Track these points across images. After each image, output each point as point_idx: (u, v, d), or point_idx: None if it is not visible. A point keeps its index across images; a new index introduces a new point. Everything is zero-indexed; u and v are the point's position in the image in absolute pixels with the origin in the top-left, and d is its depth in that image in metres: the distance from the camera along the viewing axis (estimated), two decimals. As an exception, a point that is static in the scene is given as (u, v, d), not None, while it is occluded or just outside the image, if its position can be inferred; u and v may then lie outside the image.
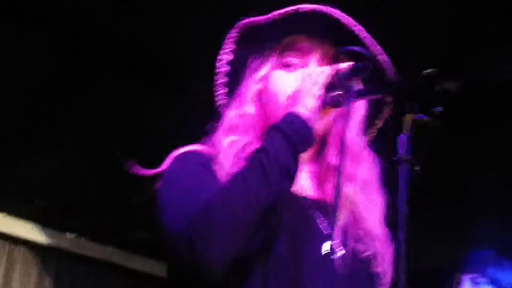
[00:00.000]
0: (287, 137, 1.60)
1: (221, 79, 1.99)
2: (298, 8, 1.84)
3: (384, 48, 1.86)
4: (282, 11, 1.86)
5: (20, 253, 5.81)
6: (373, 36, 1.86)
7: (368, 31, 1.87)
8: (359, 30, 1.85)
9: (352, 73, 1.66)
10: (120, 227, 5.96)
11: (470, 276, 3.40)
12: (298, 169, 1.64)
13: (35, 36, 3.96)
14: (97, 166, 5.07)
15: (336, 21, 1.84)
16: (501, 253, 3.52)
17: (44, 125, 4.80)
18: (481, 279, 3.37)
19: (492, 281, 3.36)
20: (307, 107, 1.67)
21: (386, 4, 3.40)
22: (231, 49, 1.96)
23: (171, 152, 1.81)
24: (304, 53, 1.87)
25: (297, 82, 1.78)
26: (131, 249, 6.16)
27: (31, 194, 5.60)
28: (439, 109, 1.37)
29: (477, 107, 3.81)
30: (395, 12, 3.43)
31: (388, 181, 1.83)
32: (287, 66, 1.87)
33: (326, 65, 1.81)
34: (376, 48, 1.85)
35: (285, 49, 1.90)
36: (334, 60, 1.82)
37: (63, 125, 4.78)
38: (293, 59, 1.87)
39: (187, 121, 1.89)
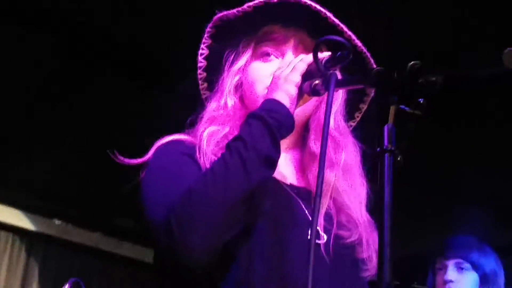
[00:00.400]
0: (265, 124, 1.58)
1: (200, 74, 2.00)
2: None
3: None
4: (252, 3, 1.85)
5: (7, 239, 5.80)
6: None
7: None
8: (332, 18, 1.84)
9: (331, 62, 1.63)
10: (106, 214, 5.96)
11: (454, 261, 3.41)
12: (279, 155, 1.62)
13: (35, 36, 3.94)
14: (84, 155, 5.07)
15: (310, 10, 1.82)
16: (483, 239, 3.54)
17: (35, 121, 4.79)
18: (465, 265, 3.38)
19: (476, 267, 3.38)
20: (285, 93, 1.65)
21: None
22: (207, 44, 1.96)
23: (154, 141, 1.81)
24: (279, 42, 1.87)
25: (273, 71, 1.77)
26: (118, 235, 6.17)
27: (18, 182, 5.59)
28: (422, 100, 1.37)
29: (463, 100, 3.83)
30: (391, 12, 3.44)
31: (372, 170, 1.84)
32: (263, 56, 1.87)
33: (301, 53, 1.81)
34: (352, 37, 1.85)
35: (260, 40, 1.89)
36: (309, 49, 1.78)
37: (52, 120, 4.77)
38: (268, 49, 1.87)
39: (185, 120, 1.88)
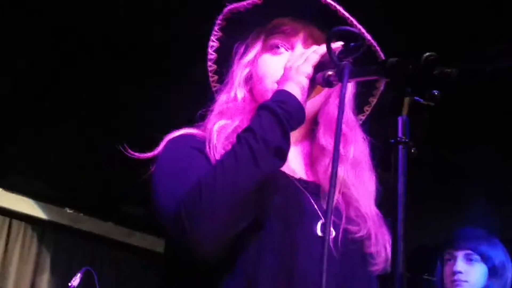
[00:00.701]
0: (276, 115, 1.58)
1: (210, 67, 2.00)
2: None
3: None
4: None
5: (20, 228, 5.82)
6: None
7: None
8: (342, 10, 1.83)
9: (345, 53, 1.62)
10: (117, 204, 5.97)
11: (463, 252, 3.40)
12: (289, 147, 1.61)
13: (38, 21, 3.93)
14: (96, 146, 5.07)
15: (319, 2, 1.81)
16: (492, 232, 3.54)
17: (46, 108, 4.79)
18: (475, 256, 3.38)
19: (485, 258, 3.37)
20: (297, 85, 1.65)
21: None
22: (217, 36, 1.96)
23: (165, 135, 1.81)
24: (289, 34, 1.86)
25: (283, 64, 1.77)
26: (129, 225, 6.18)
27: (31, 171, 5.61)
28: (437, 92, 1.36)
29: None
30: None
31: (383, 162, 1.83)
32: (273, 49, 1.87)
33: (311, 45, 1.81)
34: (362, 31, 1.83)
35: (270, 32, 1.89)
36: (319, 41, 1.82)
37: (64, 108, 4.78)
38: (278, 41, 1.86)
39: (184, 106, 1.89)
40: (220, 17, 1.94)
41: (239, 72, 1.89)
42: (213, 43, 1.97)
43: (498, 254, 3.40)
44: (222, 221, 1.52)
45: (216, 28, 1.95)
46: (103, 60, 4.24)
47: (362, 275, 1.78)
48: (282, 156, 1.59)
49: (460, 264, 3.38)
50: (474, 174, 4.92)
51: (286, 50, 1.85)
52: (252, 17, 1.90)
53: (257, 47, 1.90)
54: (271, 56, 1.86)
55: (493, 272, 3.37)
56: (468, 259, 3.38)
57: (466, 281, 3.35)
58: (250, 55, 1.90)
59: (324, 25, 1.85)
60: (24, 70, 4.41)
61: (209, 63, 2.00)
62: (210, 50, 1.98)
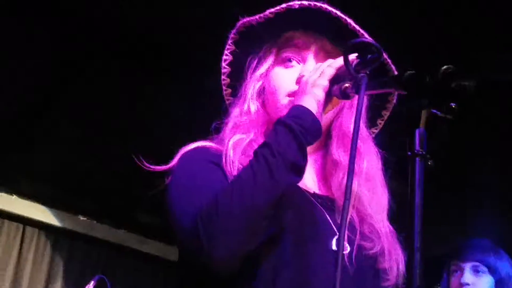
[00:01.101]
0: (292, 130, 1.58)
1: (223, 80, 2.01)
2: (289, 5, 1.84)
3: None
4: (274, 9, 1.86)
5: (33, 234, 5.83)
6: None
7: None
8: (353, 24, 1.84)
9: (361, 65, 1.61)
10: (131, 211, 5.99)
11: (471, 264, 3.41)
12: (306, 162, 1.61)
13: (50, 25, 3.92)
14: (110, 154, 5.07)
15: (330, 15, 1.82)
16: (498, 243, 3.53)
17: (59, 115, 4.80)
18: (482, 268, 3.39)
19: (492, 270, 3.38)
20: (314, 99, 1.65)
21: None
22: (230, 50, 1.97)
23: (180, 144, 1.82)
24: (300, 48, 1.87)
25: (295, 77, 1.80)
26: (142, 232, 6.19)
27: (45, 178, 5.62)
28: (454, 105, 1.35)
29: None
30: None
31: (397, 174, 1.82)
32: (285, 62, 1.87)
33: (323, 58, 1.82)
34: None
35: (282, 46, 1.90)
36: (330, 54, 1.84)
37: (79, 116, 4.78)
38: (290, 55, 1.87)
39: (194, 111, 1.90)
40: (234, 30, 1.95)
41: (252, 85, 1.90)
42: (227, 56, 1.98)
43: (505, 266, 3.42)
44: (239, 238, 1.53)
45: (229, 41, 1.96)
46: (118, 68, 4.23)
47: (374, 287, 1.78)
48: (299, 171, 1.60)
49: (468, 276, 3.39)
50: (478, 183, 4.91)
51: (298, 63, 1.86)
52: (264, 30, 1.91)
53: (270, 60, 1.91)
54: (283, 69, 1.87)
55: (500, 284, 3.38)
56: (476, 271, 3.40)
57: None
58: (262, 68, 1.90)
59: (335, 38, 1.87)
60: (35, 79, 4.41)
61: (223, 77, 2.01)
62: (223, 64, 1.99)
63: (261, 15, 1.88)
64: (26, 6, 3.78)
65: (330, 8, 1.82)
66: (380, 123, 2.04)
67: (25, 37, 4.03)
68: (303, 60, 1.86)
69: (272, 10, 1.86)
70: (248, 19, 1.91)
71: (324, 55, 1.85)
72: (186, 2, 3.54)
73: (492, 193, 4.96)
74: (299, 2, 1.83)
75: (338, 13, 1.83)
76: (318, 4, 1.83)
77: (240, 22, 1.93)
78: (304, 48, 1.87)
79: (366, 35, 1.83)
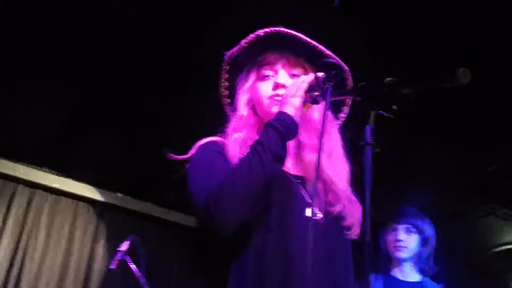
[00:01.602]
0: (278, 131, 1.66)
1: (224, 97, 2.05)
2: (256, 34, 1.91)
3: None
4: (246, 39, 1.92)
5: (83, 208, 5.84)
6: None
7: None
8: (306, 38, 1.89)
9: (327, 79, 1.68)
10: (157, 189, 5.98)
11: (404, 226, 3.44)
12: (286, 154, 1.68)
13: (104, 47, 3.90)
14: (142, 146, 5.08)
15: (286, 35, 1.88)
16: (423, 211, 3.56)
17: (104, 115, 4.79)
18: (412, 229, 3.42)
19: (420, 231, 3.41)
20: (293, 106, 1.71)
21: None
22: (225, 77, 2.02)
23: (195, 141, 1.87)
24: (272, 64, 1.92)
25: (271, 85, 1.87)
26: (165, 205, 6.18)
27: (92, 165, 5.64)
28: (396, 107, 1.38)
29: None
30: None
31: (355, 156, 1.84)
32: (263, 78, 1.92)
33: (289, 68, 1.89)
34: (329, 54, 1.89)
35: (259, 66, 1.95)
36: (295, 65, 1.90)
37: (118, 116, 4.77)
38: (266, 71, 1.92)
39: (206, 117, 1.93)
40: (224, 63, 2.00)
41: (242, 97, 1.95)
42: (224, 82, 2.04)
43: (428, 228, 3.44)
44: (239, 209, 1.58)
45: (223, 72, 2.02)
46: (153, 77, 4.21)
47: (341, 242, 1.80)
48: (281, 161, 1.67)
49: (402, 234, 3.42)
50: (414, 165, 4.92)
51: (273, 76, 1.91)
52: (244, 55, 1.96)
53: (252, 77, 1.96)
54: (262, 82, 1.92)
55: (424, 241, 3.41)
56: (408, 231, 3.42)
57: (406, 247, 3.40)
58: (247, 84, 1.96)
59: (295, 52, 1.91)
60: (86, 88, 4.40)
61: (223, 98, 2.06)
62: (222, 88, 2.05)
63: (238, 46, 1.94)
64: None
65: (286, 30, 1.88)
66: (342, 117, 2.06)
67: (79, 60, 4.04)
68: (275, 73, 1.90)
69: (245, 40, 1.93)
70: (230, 52, 1.97)
71: (290, 66, 1.91)
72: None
73: (425, 171, 4.98)
74: (263, 30, 1.89)
75: (293, 32, 1.88)
76: (277, 29, 1.88)
77: (227, 55, 1.98)
78: (274, 63, 1.91)
79: (317, 45, 1.88)
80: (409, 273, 3.39)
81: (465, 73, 1.24)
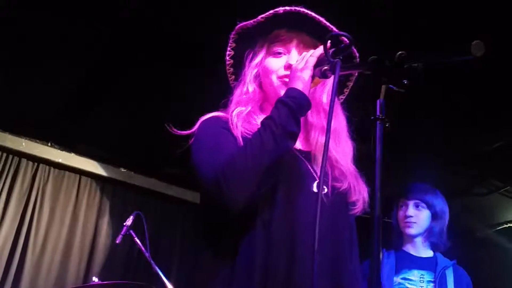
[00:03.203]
0: (289, 107, 1.63)
1: (228, 70, 2.03)
2: (275, 11, 1.87)
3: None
4: (264, 15, 1.89)
5: (86, 183, 5.85)
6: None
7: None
8: (324, 21, 1.87)
9: (335, 53, 1.64)
10: (159, 164, 5.99)
11: (413, 201, 3.44)
12: (299, 130, 1.66)
13: (112, 22, 3.88)
14: (145, 122, 5.06)
15: (306, 16, 1.85)
16: (435, 186, 3.56)
17: (108, 94, 4.78)
18: (422, 204, 3.43)
19: (429, 206, 3.41)
20: (302, 81, 1.69)
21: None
22: (232, 47, 1.99)
23: (199, 117, 1.85)
24: (285, 42, 1.90)
25: (283, 63, 1.85)
26: (167, 180, 6.20)
27: (95, 140, 5.63)
28: (406, 81, 1.36)
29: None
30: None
31: (362, 132, 1.83)
32: (274, 54, 1.90)
33: (303, 49, 1.86)
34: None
35: (271, 41, 1.92)
36: (309, 45, 1.87)
37: (121, 94, 4.76)
38: (278, 48, 1.90)
39: (212, 93, 1.92)
40: (233, 32, 1.97)
41: (250, 72, 1.92)
42: (229, 52, 2.01)
43: (439, 203, 3.45)
44: (250, 185, 1.57)
45: (230, 40, 1.99)
46: (158, 52, 4.18)
47: (346, 217, 1.81)
48: (294, 138, 1.66)
49: (411, 210, 3.44)
50: (420, 142, 4.91)
51: (284, 54, 1.89)
52: (257, 31, 1.93)
53: (262, 53, 1.93)
54: (273, 58, 1.89)
55: (435, 216, 3.42)
56: (417, 206, 3.44)
57: (415, 223, 3.42)
58: (257, 59, 1.93)
59: (311, 33, 1.89)
60: (93, 64, 4.38)
61: (227, 67, 2.03)
62: (227, 58, 2.02)
63: (255, 19, 1.91)
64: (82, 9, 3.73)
65: (306, 11, 1.85)
66: (345, 91, 2.07)
67: (84, 34, 4.01)
68: (288, 51, 1.88)
69: (263, 15, 1.89)
70: (244, 23, 1.94)
71: (304, 46, 1.88)
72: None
73: (430, 148, 4.97)
74: (283, 8, 1.86)
75: (313, 14, 1.85)
76: (297, 8, 1.85)
77: (238, 25, 1.95)
78: (288, 42, 1.89)
79: (335, 29, 1.86)
80: (422, 249, 3.42)
81: (478, 45, 1.22)
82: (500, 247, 6.34)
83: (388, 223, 3.58)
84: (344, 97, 2.06)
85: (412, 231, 3.41)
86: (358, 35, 1.64)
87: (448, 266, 3.32)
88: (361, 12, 3.19)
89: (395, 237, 3.49)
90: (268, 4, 1.91)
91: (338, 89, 1.98)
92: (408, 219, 3.41)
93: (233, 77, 2.03)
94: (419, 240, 3.42)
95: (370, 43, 1.96)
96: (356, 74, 2.00)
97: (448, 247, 3.42)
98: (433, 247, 3.42)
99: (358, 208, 1.81)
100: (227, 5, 3.36)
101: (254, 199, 1.59)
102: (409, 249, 3.43)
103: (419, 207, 3.43)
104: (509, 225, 6.30)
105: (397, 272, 3.33)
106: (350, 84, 2.04)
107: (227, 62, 2.02)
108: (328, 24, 1.86)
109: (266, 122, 1.62)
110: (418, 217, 3.41)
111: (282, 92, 1.74)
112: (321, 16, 1.87)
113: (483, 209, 6.08)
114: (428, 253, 3.41)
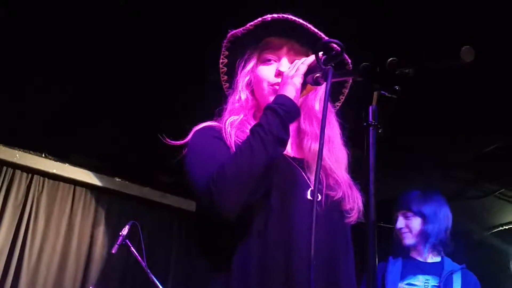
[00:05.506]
0: (277, 114, 1.63)
1: (222, 77, 2.04)
2: (263, 18, 1.87)
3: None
4: (253, 22, 1.89)
5: (81, 193, 5.84)
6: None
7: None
8: (312, 28, 1.86)
9: (328, 60, 1.64)
10: (154, 174, 5.98)
11: (400, 212, 3.50)
12: (288, 136, 1.66)
13: (104, 31, 3.86)
14: (139, 132, 5.05)
15: (294, 23, 1.85)
16: (427, 190, 3.57)
17: (101, 103, 4.76)
18: (409, 213, 3.48)
19: (416, 213, 3.45)
20: (293, 88, 1.69)
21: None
22: (225, 55, 2.00)
23: (193, 126, 1.85)
24: (275, 49, 1.90)
25: (273, 70, 1.85)
26: (162, 189, 6.19)
27: (89, 151, 5.62)
28: (398, 87, 1.37)
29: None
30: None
31: (354, 138, 1.84)
32: (265, 62, 1.90)
33: (293, 56, 1.86)
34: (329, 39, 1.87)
35: (261, 49, 1.92)
36: (298, 52, 1.87)
37: (115, 103, 4.74)
38: (269, 55, 1.90)
39: (205, 101, 1.92)
40: (225, 40, 1.97)
41: (242, 79, 1.92)
42: (223, 60, 2.01)
43: (428, 206, 3.46)
44: (241, 194, 1.56)
45: (223, 49, 1.99)
46: (152, 61, 4.16)
47: (341, 226, 1.80)
48: (283, 144, 1.64)
49: (401, 221, 3.50)
50: (415, 146, 4.92)
51: (275, 61, 1.89)
52: (248, 38, 1.92)
53: (254, 60, 1.93)
54: (264, 66, 1.89)
55: (426, 220, 3.43)
56: (406, 217, 3.49)
57: (408, 232, 3.47)
58: (248, 67, 1.93)
59: (300, 40, 1.89)
60: (85, 74, 4.37)
61: (221, 75, 2.04)
62: (221, 66, 2.02)
63: (245, 27, 1.91)
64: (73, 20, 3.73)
65: (294, 18, 1.85)
66: (341, 99, 2.06)
67: (77, 45, 3.99)
68: (278, 59, 1.88)
69: (252, 23, 1.89)
70: (234, 31, 1.94)
71: (294, 53, 1.88)
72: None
73: (425, 152, 4.98)
74: (270, 16, 1.86)
75: (301, 21, 1.85)
76: (285, 16, 1.85)
77: (229, 33, 1.95)
78: (278, 49, 1.89)
79: (324, 36, 1.85)
80: (427, 254, 3.45)
81: (468, 51, 1.23)
82: (496, 250, 6.35)
83: (384, 229, 3.60)
84: (340, 104, 2.06)
85: (407, 241, 3.46)
86: (358, 35, 1.64)
87: (456, 271, 3.34)
88: (361, 12, 3.19)
89: (399, 248, 3.52)
90: (262, 10, 1.91)
91: (333, 97, 1.99)
92: (400, 231, 3.48)
93: (227, 84, 2.03)
94: (420, 247, 3.45)
95: (370, 44, 1.96)
96: (351, 81, 2.00)
97: (452, 249, 3.43)
98: (437, 250, 3.44)
99: (353, 217, 1.81)
100: (219, 13, 3.37)
101: (247, 206, 1.59)
102: (416, 255, 3.48)
103: (408, 216, 3.48)
104: (504, 227, 6.31)
105: (402, 278, 3.35)
106: (346, 91, 2.03)
107: (221, 70, 2.02)
108: (316, 31, 1.86)
109: (255, 129, 1.62)
110: (409, 227, 3.46)
111: (273, 99, 1.74)
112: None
113: (479, 212, 6.09)
114: (435, 258, 3.45)
